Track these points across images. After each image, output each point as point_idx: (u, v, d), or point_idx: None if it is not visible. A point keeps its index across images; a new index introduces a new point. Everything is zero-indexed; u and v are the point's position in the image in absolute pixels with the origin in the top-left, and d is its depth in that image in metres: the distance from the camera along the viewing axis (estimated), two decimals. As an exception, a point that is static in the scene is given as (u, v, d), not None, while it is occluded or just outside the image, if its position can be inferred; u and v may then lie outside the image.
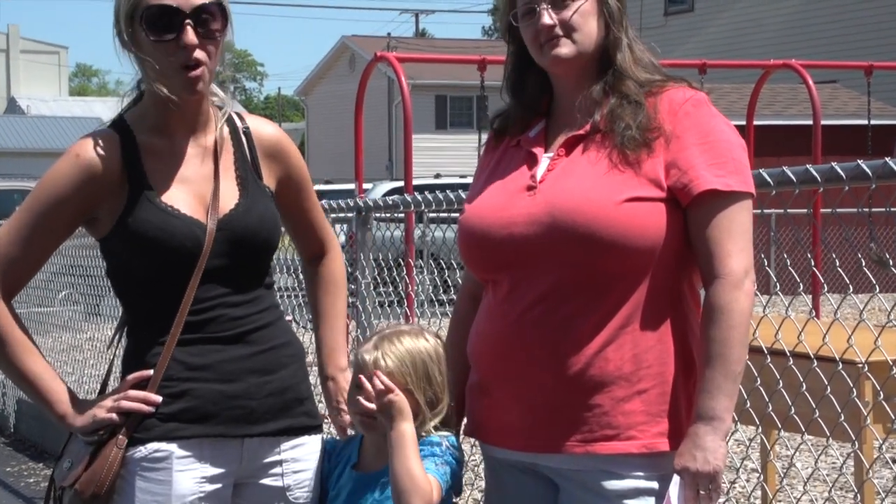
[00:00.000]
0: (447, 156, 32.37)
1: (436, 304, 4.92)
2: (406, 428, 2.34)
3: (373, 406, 2.36)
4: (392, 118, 34.37)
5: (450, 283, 4.77)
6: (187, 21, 2.30)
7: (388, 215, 5.32)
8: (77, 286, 8.15)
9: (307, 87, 41.00)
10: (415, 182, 9.90)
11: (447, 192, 3.92)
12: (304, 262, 2.72)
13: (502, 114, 2.49)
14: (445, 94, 34.50)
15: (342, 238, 10.12)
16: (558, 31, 2.33)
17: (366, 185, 11.89)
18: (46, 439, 7.88)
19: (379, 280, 4.69)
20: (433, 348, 2.42)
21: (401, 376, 2.38)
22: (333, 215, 4.69)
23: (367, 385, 2.37)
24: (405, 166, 9.64)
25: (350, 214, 4.62)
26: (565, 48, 2.33)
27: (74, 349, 8.23)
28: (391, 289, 4.91)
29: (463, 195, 3.68)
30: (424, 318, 4.99)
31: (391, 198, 4.36)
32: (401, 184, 14.64)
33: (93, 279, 7.82)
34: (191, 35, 2.30)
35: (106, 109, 45.45)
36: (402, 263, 5.41)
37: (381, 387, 2.36)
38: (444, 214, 4.31)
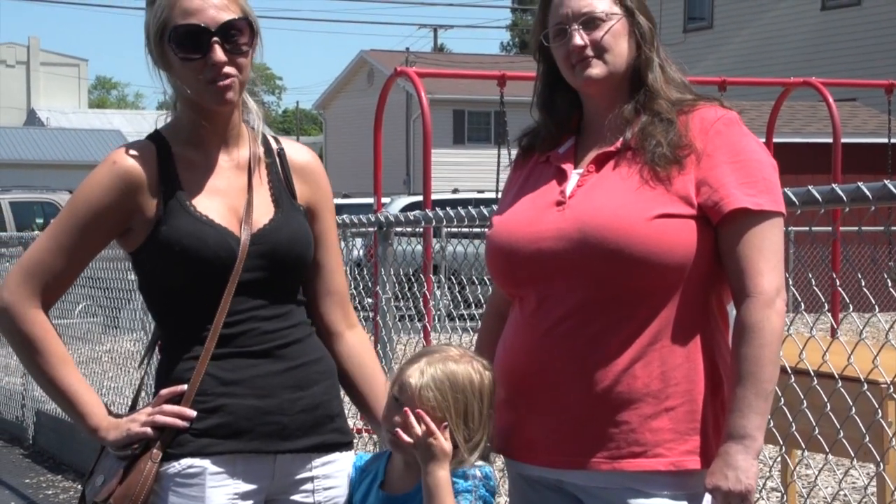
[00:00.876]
0: (465, 171, 32.47)
1: (456, 319, 4.93)
2: (442, 475, 2.30)
3: (410, 440, 2.32)
4: (410, 132, 34.51)
5: (471, 300, 4.78)
6: (214, 39, 2.33)
7: (408, 230, 5.34)
8: (96, 298, 8.20)
9: (325, 101, 41.21)
10: (433, 197, 9.91)
11: (469, 208, 3.93)
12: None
13: (531, 131, 2.51)
14: (463, 108, 34.63)
15: (356, 252, 10.13)
16: (590, 51, 2.35)
17: (384, 200, 11.92)
18: (65, 451, 7.94)
19: (400, 294, 4.70)
20: (479, 382, 2.36)
21: (440, 412, 2.33)
22: (353, 230, 4.70)
23: (412, 419, 2.32)
24: (424, 181, 9.67)
25: (370, 229, 4.64)
26: (597, 69, 2.35)
27: (93, 361, 8.28)
28: (411, 303, 4.92)
29: (485, 211, 3.73)
30: (445, 333, 4.99)
31: (412, 213, 4.38)
32: (418, 198, 14.67)
33: (111, 291, 7.88)
34: (219, 53, 2.33)
35: (125, 122, 45.96)
36: (423, 278, 5.43)
37: (424, 428, 2.31)
38: (466, 230, 4.31)
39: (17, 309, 2.37)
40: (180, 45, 2.33)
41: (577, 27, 2.35)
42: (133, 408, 2.52)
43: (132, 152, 2.41)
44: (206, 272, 2.35)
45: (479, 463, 2.38)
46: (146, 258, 2.41)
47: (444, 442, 2.31)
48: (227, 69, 2.34)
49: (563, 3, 2.38)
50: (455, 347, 2.46)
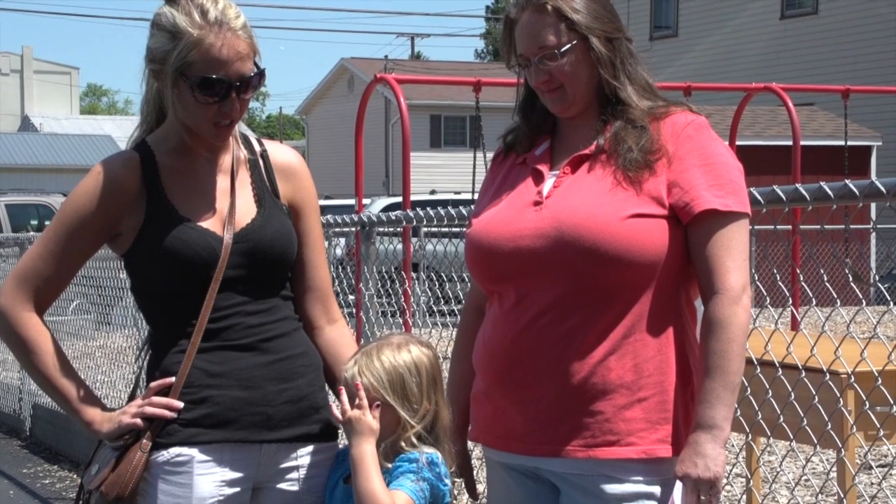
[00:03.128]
0: (441, 173, 32.42)
1: (436, 314, 5.02)
2: (367, 449, 2.36)
3: (341, 417, 2.41)
4: (389, 136, 34.45)
5: (450, 296, 4.86)
6: (233, 91, 2.41)
7: (390, 230, 5.39)
8: (89, 296, 8.21)
9: (308, 107, 41.01)
10: (411, 198, 10.01)
11: (448, 208, 3.98)
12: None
13: (515, 129, 2.57)
14: (440, 113, 34.59)
15: (339, 251, 10.21)
16: (553, 83, 2.40)
17: (364, 201, 11.99)
18: (61, 442, 7.99)
19: (382, 291, 4.78)
20: (414, 360, 2.43)
21: (375, 391, 2.40)
22: (336, 229, 4.75)
23: (343, 397, 2.41)
24: (403, 183, 9.69)
25: (352, 229, 4.69)
26: (562, 101, 2.42)
27: (86, 356, 8.30)
28: (393, 299, 4.98)
29: (463, 211, 3.74)
30: (425, 328, 5.08)
31: (394, 213, 4.40)
32: (398, 199, 14.71)
33: (103, 290, 7.90)
34: (234, 103, 2.42)
35: (115, 127, 45.59)
36: (404, 275, 5.49)
37: (347, 405, 2.39)
38: (445, 229, 4.39)
39: (12, 313, 2.46)
40: (202, 91, 2.39)
41: (535, 62, 2.40)
42: (131, 401, 2.56)
43: (116, 163, 2.49)
44: (189, 271, 2.42)
45: (429, 450, 2.42)
46: (135, 261, 2.48)
47: (370, 419, 2.38)
48: (235, 115, 2.44)
49: (522, 35, 2.42)
50: (398, 335, 2.52)
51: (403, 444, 2.41)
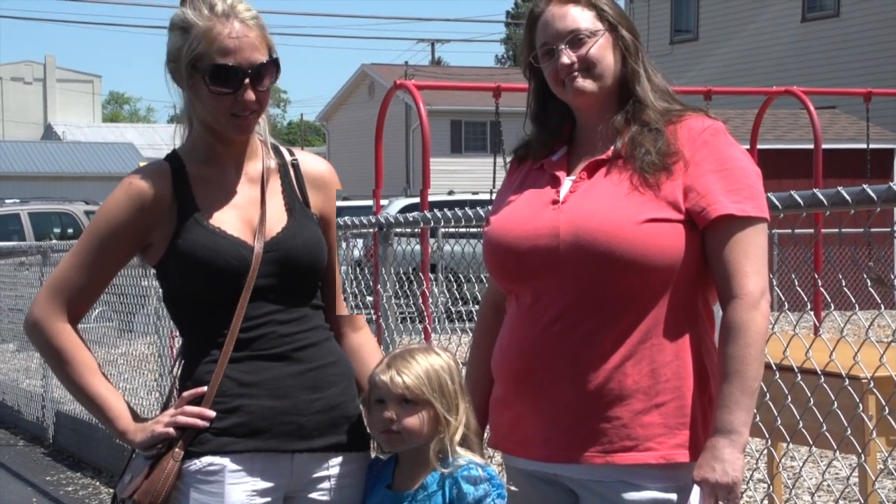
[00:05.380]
0: (462, 178, 32.41)
1: (455, 320, 5.01)
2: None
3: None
4: (409, 142, 34.51)
5: (469, 297, 4.85)
6: (247, 80, 2.41)
7: (408, 230, 5.38)
8: (111, 304, 8.26)
9: (328, 113, 41.11)
10: (430, 199, 10.02)
11: (466, 208, 3.95)
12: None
13: (525, 143, 2.57)
14: (460, 119, 34.65)
15: (356, 252, 10.22)
16: (577, 68, 2.41)
17: (382, 202, 12.01)
18: (83, 450, 8.05)
19: (400, 293, 4.76)
20: (445, 362, 2.47)
21: (419, 389, 2.42)
22: (354, 231, 4.72)
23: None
24: (423, 189, 9.71)
25: (369, 230, 4.66)
26: (586, 83, 2.42)
27: (109, 364, 8.35)
28: (411, 301, 4.96)
29: (481, 212, 3.73)
30: (444, 335, 5.07)
31: (411, 214, 4.37)
32: (415, 200, 14.72)
33: (126, 297, 7.95)
34: (249, 93, 2.42)
35: (137, 135, 46.24)
36: (422, 277, 5.47)
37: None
38: (463, 230, 4.38)
39: (46, 324, 2.49)
40: (214, 80, 2.40)
41: (563, 47, 2.41)
42: (164, 410, 2.59)
43: (147, 173, 2.50)
44: (220, 281, 2.43)
45: (479, 460, 2.44)
46: (167, 271, 2.49)
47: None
48: (251, 105, 2.43)
49: (547, 24, 2.44)
50: (415, 344, 2.57)
51: (450, 447, 2.42)
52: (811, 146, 12.10)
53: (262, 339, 2.46)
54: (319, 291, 2.58)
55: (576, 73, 2.41)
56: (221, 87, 2.41)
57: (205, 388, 2.44)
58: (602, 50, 2.42)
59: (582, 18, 2.42)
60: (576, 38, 2.41)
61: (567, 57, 2.41)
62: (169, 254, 2.48)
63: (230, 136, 2.48)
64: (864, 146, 13.54)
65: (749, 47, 23.83)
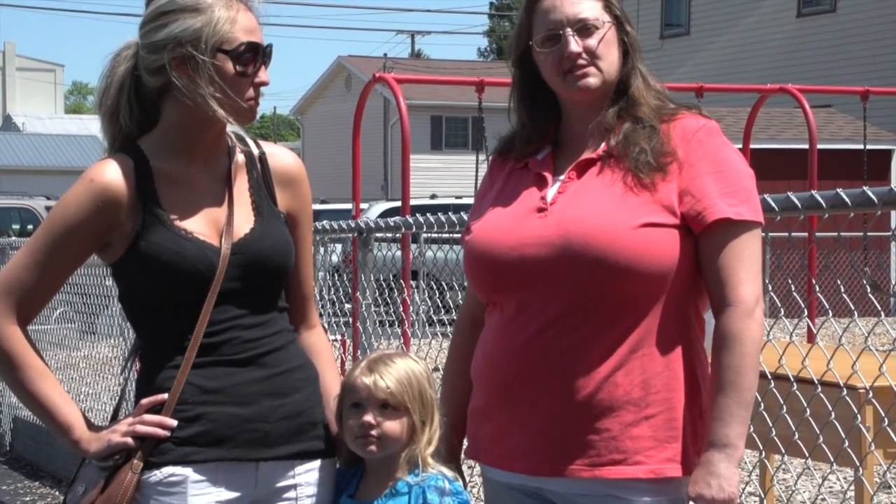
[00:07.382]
0: (443, 176, 32.54)
1: (435, 324, 4.95)
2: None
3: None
4: (388, 138, 34.55)
5: (452, 304, 4.80)
6: (262, 60, 2.41)
7: (388, 236, 5.36)
8: (73, 304, 8.18)
9: (303, 107, 41.19)
10: (411, 203, 9.93)
11: (449, 213, 3.94)
12: None
13: (507, 139, 2.50)
14: (441, 114, 34.71)
15: (335, 258, 10.18)
16: (584, 59, 2.34)
17: (362, 206, 11.94)
18: (42, 458, 7.95)
19: (380, 300, 4.71)
20: (422, 370, 2.45)
21: (401, 395, 2.39)
22: (333, 235, 4.73)
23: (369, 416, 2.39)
24: (402, 187, 9.66)
25: (348, 235, 4.66)
26: (593, 78, 2.35)
27: (70, 367, 8.27)
28: (391, 308, 4.92)
29: (465, 217, 3.74)
30: (424, 339, 5.00)
31: (392, 219, 4.39)
32: (397, 204, 14.67)
33: (88, 297, 7.86)
34: (264, 72, 2.42)
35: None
36: (402, 283, 5.44)
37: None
38: (446, 236, 4.33)
39: None
40: (245, 56, 2.38)
41: (571, 33, 2.34)
42: (115, 417, 2.52)
43: (110, 169, 2.40)
44: (185, 284, 2.36)
45: (449, 473, 2.41)
46: (125, 271, 2.41)
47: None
48: (265, 86, 2.43)
49: (554, 8, 2.36)
50: (390, 350, 2.57)
51: (422, 457, 2.40)
52: (806, 146, 12.10)
53: (227, 343, 2.39)
54: (284, 293, 2.52)
55: (582, 66, 2.34)
56: (249, 65, 2.39)
57: (165, 396, 2.36)
58: (609, 44, 2.37)
59: (591, 8, 2.36)
60: (584, 27, 2.35)
61: (575, 44, 2.34)
62: (130, 254, 2.38)
63: (236, 121, 2.41)
64: (860, 146, 13.56)
65: (742, 43, 23.87)
